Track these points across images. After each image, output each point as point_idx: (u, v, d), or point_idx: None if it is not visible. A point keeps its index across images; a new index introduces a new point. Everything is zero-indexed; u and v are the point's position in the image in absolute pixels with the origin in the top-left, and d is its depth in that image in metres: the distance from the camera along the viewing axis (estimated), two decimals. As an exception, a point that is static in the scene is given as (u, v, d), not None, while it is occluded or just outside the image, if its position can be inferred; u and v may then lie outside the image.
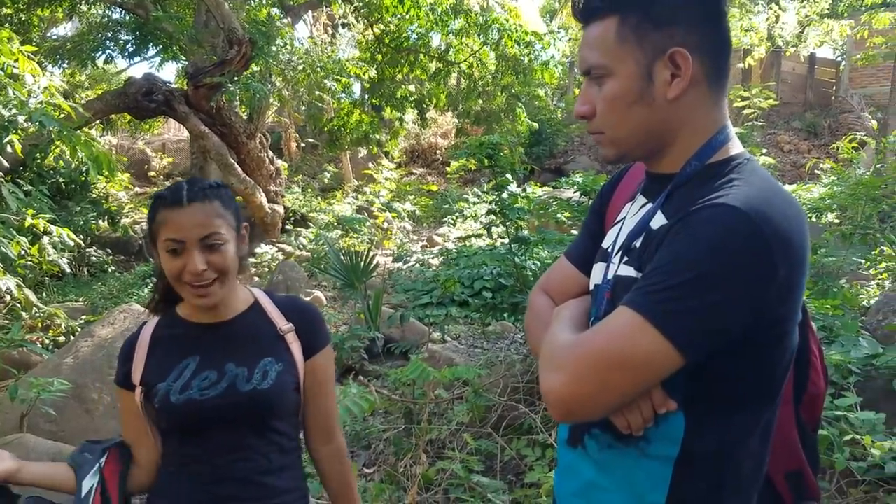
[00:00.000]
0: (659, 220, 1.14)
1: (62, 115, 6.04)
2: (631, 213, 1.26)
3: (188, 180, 1.60)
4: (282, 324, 1.62)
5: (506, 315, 4.63)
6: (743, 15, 11.78)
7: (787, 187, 8.52)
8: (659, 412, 1.07)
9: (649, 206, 1.19)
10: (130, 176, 17.82)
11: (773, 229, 0.99)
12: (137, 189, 18.05)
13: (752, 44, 11.06)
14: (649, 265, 1.06)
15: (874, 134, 11.67)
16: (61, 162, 8.76)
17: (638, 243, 1.17)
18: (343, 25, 17.38)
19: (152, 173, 19.40)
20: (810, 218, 6.52)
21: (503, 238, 5.13)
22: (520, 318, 4.61)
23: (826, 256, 4.91)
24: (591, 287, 1.31)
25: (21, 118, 5.47)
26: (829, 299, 3.68)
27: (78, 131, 5.75)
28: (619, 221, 1.29)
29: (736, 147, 1.16)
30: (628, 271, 1.16)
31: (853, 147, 6.85)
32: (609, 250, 1.27)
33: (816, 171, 8.77)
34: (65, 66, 12.86)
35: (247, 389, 1.53)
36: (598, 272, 1.29)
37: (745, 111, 6.86)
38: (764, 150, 8.03)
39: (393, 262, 7.59)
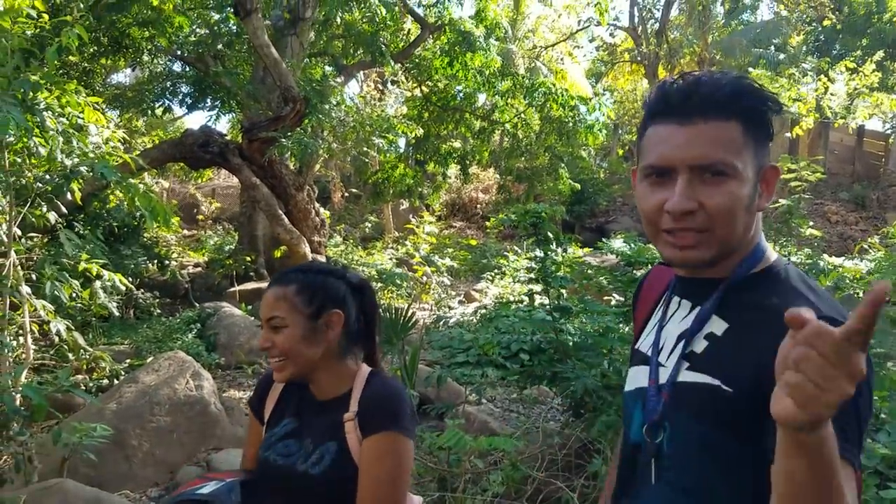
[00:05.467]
0: (720, 325, 1.16)
1: (120, 164, 6.29)
2: (675, 317, 1.27)
3: (293, 269, 1.73)
4: (352, 409, 1.63)
5: (544, 382, 4.60)
6: (791, 85, 11.80)
7: (835, 260, 8.38)
8: None
9: (698, 309, 1.21)
10: (180, 220, 18.32)
11: None
12: (186, 232, 18.51)
13: (801, 114, 11.02)
14: None
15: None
16: (118, 206, 9.08)
17: (700, 348, 1.18)
18: (392, 83, 17.86)
19: (201, 217, 19.92)
20: (857, 295, 6.40)
21: (544, 301, 5.14)
22: (557, 386, 4.58)
23: (876, 346, 4.78)
24: (631, 389, 1.31)
25: (83, 168, 5.72)
26: (879, 391, 3.59)
27: (133, 180, 5.95)
28: (656, 325, 1.31)
29: (773, 254, 1.23)
30: (699, 378, 1.16)
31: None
32: (649, 353, 1.28)
33: (865, 247, 8.64)
34: (124, 111, 13.44)
35: (301, 469, 1.61)
36: (639, 375, 1.29)
37: (792, 183, 6.83)
38: (811, 223, 7.93)
39: (431, 321, 7.62)
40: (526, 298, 5.01)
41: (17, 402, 4.49)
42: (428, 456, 3.95)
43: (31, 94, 5.27)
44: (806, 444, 0.82)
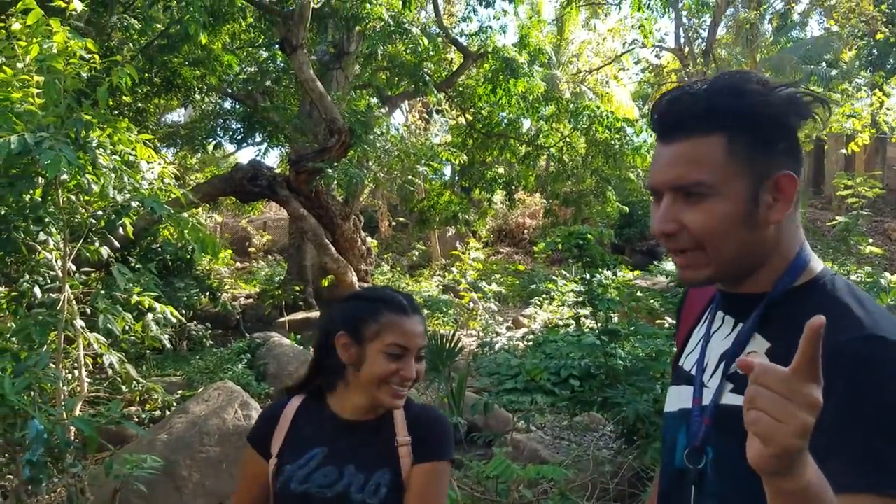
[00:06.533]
0: (762, 344, 1.09)
1: (171, 199, 6.42)
2: (718, 334, 1.20)
3: (402, 294, 1.72)
4: (402, 435, 1.64)
5: (595, 408, 4.46)
6: (846, 100, 11.44)
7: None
8: None
9: (740, 326, 1.15)
10: (232, 252, 18.71)
11: None
12: (238, 264, 18.87)
13: (856, 129, 10.67)
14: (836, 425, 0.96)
15: None
16: (170, 240, 9.27)
17: None
18: (437, 112, 18.01)
19: (252, 249, 20.29)
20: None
21: (592, 325, 5.02)
22: (608, 412, 4.44)
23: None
24: (673, 410, 1.25)
25: (135, 203, 5.85)
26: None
27: (185, 214, 6.07)
28: (700, 341, 1.24)
29: (818, 264, 1.15)
30: (740, 401, 1.10)
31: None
32: (692, 373, 1.21)
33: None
34: (178, 150, 13.86)
35: (357, 500, 1.56)
36: (682, 395, 1.23)
37: (849, 200, 6.56)
38: (870, 240, 7.62)
39: (477, 347, 7.53)
40: (574, 323, 4.89)
41: (71, 435, 4.56)
42: (476, 485, 3.85)
43: (83, 132, 5.43)
44: (787, 491, 0.81)
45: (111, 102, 10.59)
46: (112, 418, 4.46)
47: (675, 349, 1.43)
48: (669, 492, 1.22)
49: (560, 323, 8.27)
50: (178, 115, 18.49)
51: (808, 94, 1.11)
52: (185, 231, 5.99)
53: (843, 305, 1.05)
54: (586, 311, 4.30)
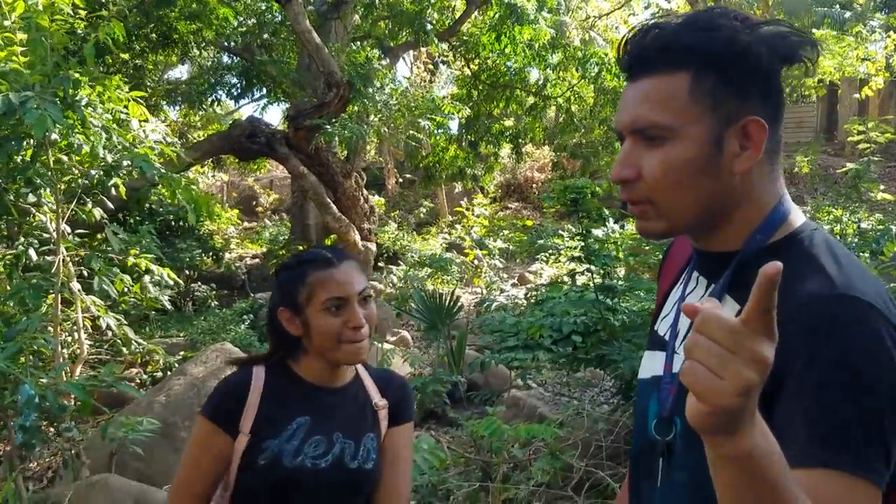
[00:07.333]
0: (731, 307, 0.99)
1: (167, 160, 6.31)
2: (692, 297, 1.11)
3: (324, 247, 1.73)
4: (377, 398, 1.64)
5: (593, 366, 4.37)
6: (859, 44, 11.04)
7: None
8: None
9: (711, 288, 1.05)
10: (239, 212, 18.62)
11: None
12: (246, 224, 18.80)
13: (870, 73, 10.33)
14: (794, 396, 0.87)
15: None
16: (171, 200, 9.18)
17: None
18: (443, 62, 17.65)
19: (260, 208, 20.20)
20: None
21: (588, 280, 4.89)
22: (606, 368, 4.35)
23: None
24: (646, 377, 1.16)
25: (125, 163, 5.73)
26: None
27: (189, 173, 5.95)
28: (674, 305, 1.15)
29: (797, 218, 1.04)
30: None
31: None
32: (666, 338, 1.12)
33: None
34: (180, 107, 13.67)
35: (353, 467, 1.55)
36: (655, 360, 1.14)
37: (861, 146, 6.34)
38: (882, 186, 7.40)
39: (475, 306, 7.44)
40: (569, 280, 4.76)
41: (72, 400, 4.53)
42: (468, 446, 3.80)
43: (71, 90, 5.28)
44: (727, 456, 0.72)
45: (109, 60, 10.43)
46: (102, 382, 4.43)
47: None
48: (640, 462, 1.16)
49: (565, 279, 8.16)
50: (180, 72, 18.22)
51: (796, 34, 0.99)
52: (178, 191, 5.88)
53: (817, 263, 0.95)
54: (583, 268, 4.16)
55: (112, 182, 5.72)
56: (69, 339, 6.18)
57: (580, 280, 4.78)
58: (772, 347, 0.68)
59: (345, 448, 1.55)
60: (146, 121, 6.10)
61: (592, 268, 4.10)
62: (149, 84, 11.31)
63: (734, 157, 0.97)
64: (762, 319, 0.68)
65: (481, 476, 3.82)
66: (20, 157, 5.50)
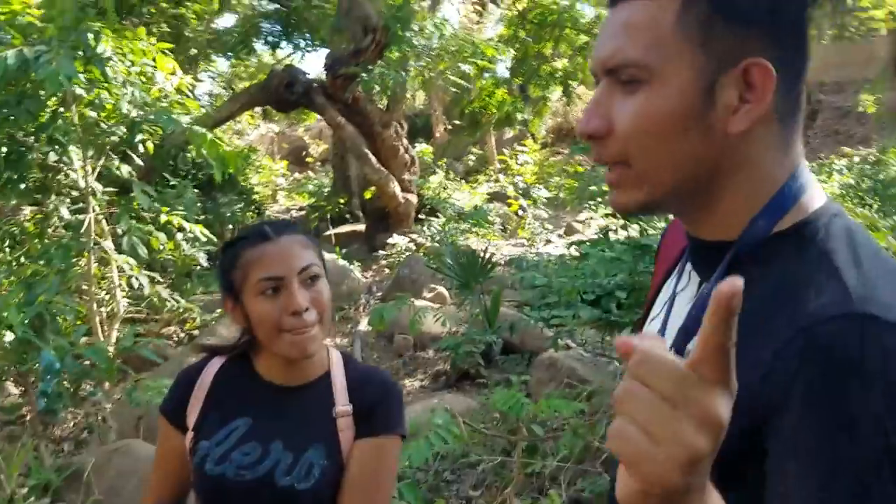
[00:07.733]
0: None
1: (192, 115, 6.14)
2: (683, 296, 0.87)
3: (270, 221, 1.48)
4: (341, 403, 1.37)
5: (628, 330, 4.07)
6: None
7: None
8: None
9: (703, 288, 0.82)
10: (288, 162, 18.57)
11: None
12: (297, 175, 18.77)
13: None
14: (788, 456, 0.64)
15: None
16: (197, 156, 9.08)
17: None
18: (492, 1, 16.97)
19: (309, 159, 20.14)
20: None
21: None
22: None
23: None
24: None
25: (151, 118, 5.59)
26: None
27: (204, 130, 5.76)
28: (667, 301, 0.91)
29: (815, 199, 0.77)
30: None
31: None
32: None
33: None
34: (230, 59, 13.51)
35: (283, 484, 1.29)
36: None
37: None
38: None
39: (506, 264, 7.13)
40: (624, 232, 4.41)
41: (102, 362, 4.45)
42: (488, 420, 3.58)
43: (92, 43, 5.11)
44: None
45: (142, 9, 10.25)
46: (124, 349, 4.36)
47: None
48: None
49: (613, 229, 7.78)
50: (227, 22, 18.02)
51: None
52: (203, 147, 5.71)
53: (831, 264, 0.70)
54: (616, 225, 3.83)
55: (139, 139, 5.58)
56: (107, 297, 6.18)
57: (612, 237, 4.43)
58: (726, 398, 0.50)
59: (280, 461, 1.31)
60: (173, 73, 5.92)
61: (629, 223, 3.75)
62: (188, 34, 11.12)
63: (729, 112, 0.73)
64: (716, 361, 0.49)
65: (501, 450, 3.62)
66: (48, 115, 5.41)
